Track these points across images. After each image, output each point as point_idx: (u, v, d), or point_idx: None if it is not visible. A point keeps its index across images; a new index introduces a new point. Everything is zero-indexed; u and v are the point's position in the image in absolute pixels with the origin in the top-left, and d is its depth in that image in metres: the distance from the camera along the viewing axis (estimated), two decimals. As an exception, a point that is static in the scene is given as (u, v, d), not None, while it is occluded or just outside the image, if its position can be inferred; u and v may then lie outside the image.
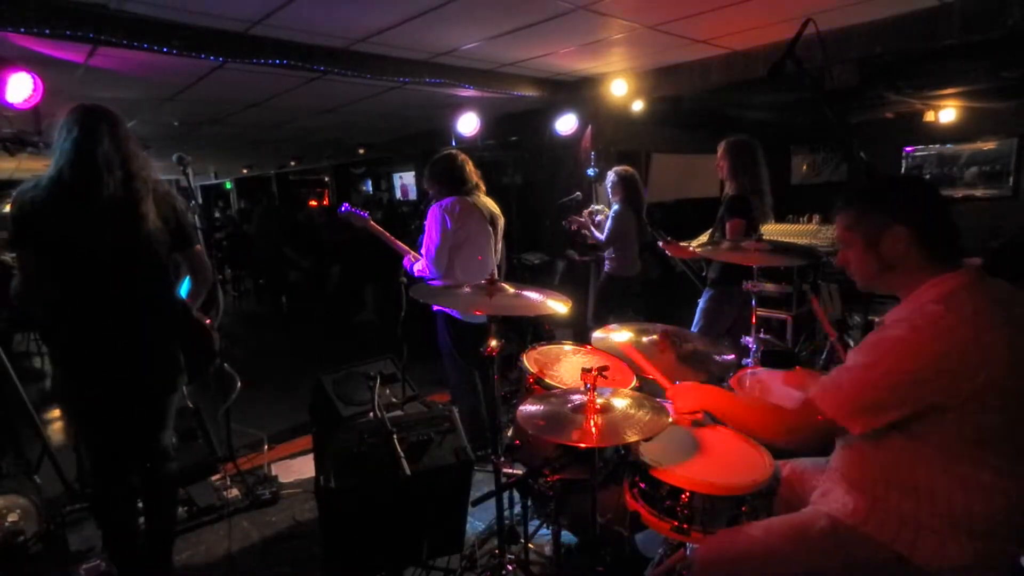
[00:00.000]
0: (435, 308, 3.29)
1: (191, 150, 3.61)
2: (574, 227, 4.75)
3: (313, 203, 12.57)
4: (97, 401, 2.12)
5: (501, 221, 3.40)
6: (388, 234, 3.50)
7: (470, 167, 3.28)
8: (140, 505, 2.36)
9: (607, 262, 4.60)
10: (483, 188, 3.35)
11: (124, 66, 3.64)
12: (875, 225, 1.42)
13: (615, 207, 4.51)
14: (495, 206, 3.38)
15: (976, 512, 1.29)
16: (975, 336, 1.24)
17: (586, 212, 4.83)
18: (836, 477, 1.52)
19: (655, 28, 3.55)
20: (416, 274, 3.27)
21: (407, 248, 3.44)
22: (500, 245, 3.45)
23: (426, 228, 3.18)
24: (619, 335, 2.40)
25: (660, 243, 3.33)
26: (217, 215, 13.01)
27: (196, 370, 2.38)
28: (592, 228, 4.66)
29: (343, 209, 3.54)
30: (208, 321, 2.42)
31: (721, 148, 3.34)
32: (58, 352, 2.19)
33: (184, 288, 2.39)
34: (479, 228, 3.23)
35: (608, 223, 4.49)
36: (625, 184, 4.45)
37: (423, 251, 3.19)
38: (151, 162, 2.22)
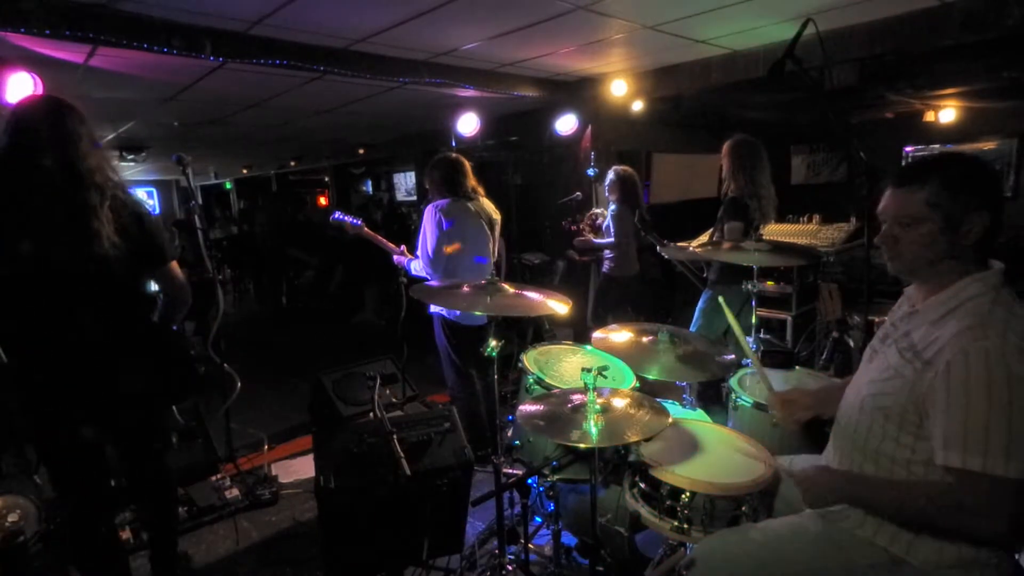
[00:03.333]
0: (431, 311, 3.29)
1: (191, 150, 3.61)
2: (578, 246, 4.75)
3: (326, 202, 12.51)
4: (58, 439, 1.90)
5: (498, 222, 3.40)
6: (381, 238, 3.51)
7: (468, 171, 3.29)
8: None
9: (605, 263, 4.59)
10: (481, 192, 3.36)
11: (124, 66, 3.64)
12: (964, 206, 1.28)
13: (612, 207, 4.50)
14: (493, 208, 3.39)
15: None
16: None
17: (586, 218, 4.83)
18: None
19: (655, 28, 3.55)
20: (413, 274, 3.28)
21: (396, 248, 3.45)
22: (498, 245, 3.45)
23: (422, 229, 3.18)
24: (619, 335, 2.40)
25: (659, 248, 3.33)
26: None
27: (175, 398, 2.24)
28: (595, 240, 4.66)
29: (335, 217, 3.54)
30: (190, 341, 2.24)
31: (725, 148, 3.35)
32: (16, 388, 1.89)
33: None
34: (475, 229, 3.24)
35: (610, 224, 4.49)
36: (623, 184, 4.44)
37: (419, 252, 3.19)
38: (110, 162, 1.91)
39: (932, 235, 1.32)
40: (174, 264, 2.06)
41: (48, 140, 1.77)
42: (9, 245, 1.72)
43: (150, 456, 2.21)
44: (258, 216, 9.42)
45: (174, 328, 2.18)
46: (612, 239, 4.50)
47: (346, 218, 3.53)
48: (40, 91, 2.92)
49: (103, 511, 2.13)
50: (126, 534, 2.69)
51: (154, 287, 2.14)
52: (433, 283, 3.09)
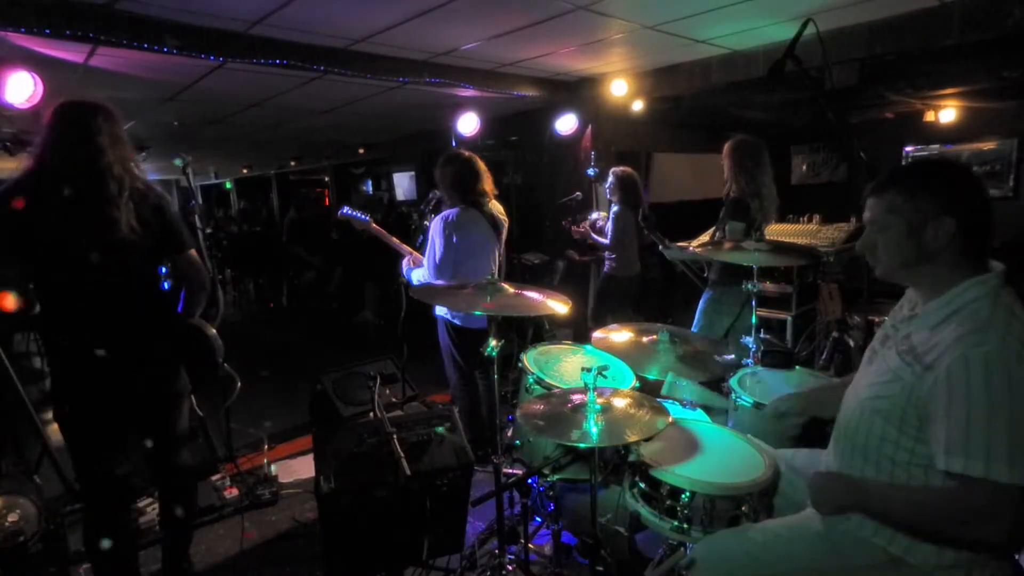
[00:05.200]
0: (436, 314, 3.28)
1: (191, 150, 3.60)
2: (576, 236, 4.75)
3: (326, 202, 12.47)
4: (79, 413, 2.01)
5: (505, 225, 3.37)
6: (390, 235, 3.48)
7: (481, 173, 3.17)
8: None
9: (607, 262, 4.60)
10: (492, 195, 3.26)
11: (124, 66, 3.64)
12: (923, 212, 1.31)
13: (614, 208, 4.51)
14: (501, 210, 3.34)
15: None
16: None
17: (586, 223, 4.83)
18: None
19: (655, 28, 3.55)
20: (416, 284, 3.23)
21: (409, 249, 3.42)
22: (502, 248, 3.43)
23: (429, 240, 3.12)
24: (619, 335, 2.40)
25: (661, 247, 3.33)
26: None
27: (194, 380, 2.28)
28: (595, 235, 4.66)
29: (343, 212, 3.51)
30: (214, 331, 2.31)
31: (726, 148, 3.34)
32: (48, 359, 2.09)
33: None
34: (484, 238, 3.19)
35: (609, 225, 4.49)
36: (622, 185, 4.44)
37: (426, 262, 3.15)
38: (131, 157, 2.06)
39: (899, 240, 1.35)
40: (192, 252, 2.20)
41: (74, 139, 1.93)
42: (40, 232, 1.88)
43: (172, 446, 2.25)
44: (286, 220, 9.33)
45: (195, 317, 2.30)
46: (607, 240, 4.50)
47: (354, 214, 3.50)
48: (41, 91, 2.94)
49: (120, 504, 2.18)
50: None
51: (166, 285, 2.28)
52: (433, 282, 3.08)
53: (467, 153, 3.24)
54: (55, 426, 2.06)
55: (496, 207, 3.32)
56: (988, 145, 6.26)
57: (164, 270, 2.26)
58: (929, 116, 6.27)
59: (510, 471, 2.24)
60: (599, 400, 1.76)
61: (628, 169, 4.55)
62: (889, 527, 1.35)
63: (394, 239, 3.47)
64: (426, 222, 3.31)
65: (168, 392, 2.19)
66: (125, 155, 2.03)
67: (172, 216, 2.14)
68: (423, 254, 3.24)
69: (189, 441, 2.37)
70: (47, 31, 2.73)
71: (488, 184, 3.22)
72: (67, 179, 1.91)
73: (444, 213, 3.12)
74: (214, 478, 3.22)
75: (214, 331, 2.36)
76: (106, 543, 2.12)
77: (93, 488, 2.12)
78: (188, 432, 2.33)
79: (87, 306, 1.99)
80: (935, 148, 6.59)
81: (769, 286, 3.59)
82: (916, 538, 1.32)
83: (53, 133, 1.95)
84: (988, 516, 1.19)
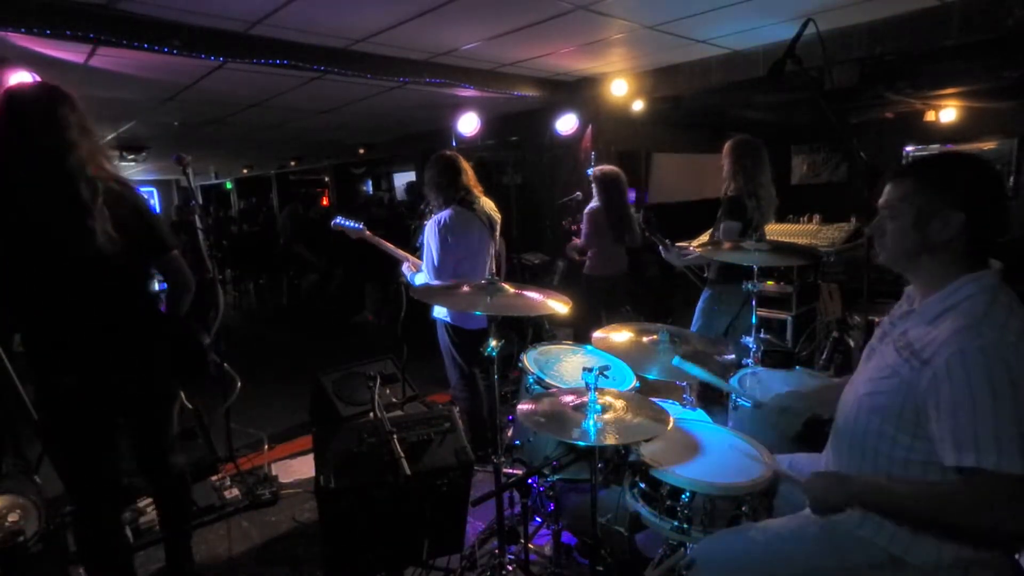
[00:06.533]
0: (434, 316, 3.27)
1: (191, 150, 3.60)
2: (575, 227, 4.73)
3: (326, 202, 12.48)
4: (64, 420, 1.93)
5: (498, 221, 3.37)
6: (386, 242, 3.46)
7: (464, 170, 3.18)
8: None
9: (585, 261, 4.54)
10: (480, 191, 3.27)
11: (124, 66, 3.64)
12: (933, 204, 1.31)
13: (589, 206, 4.43)
14: (492, 207, 3.34)
15: None
16: None
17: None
18: None
19: (655, 28, 3.56)
20: (417, 286, 3.24)
21: (406, 255, 3.41)
22: (498, 244, 3.43)
23: (426, 244, 3.13)
24: (619, 335, 2.40)
25: (661, 250, 3.32)
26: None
27: (184, 383, 2.24)
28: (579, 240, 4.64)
29: (336, 222, 3.46)
30: (203, 339, 2.23)
31: (725, 147, 3.34)
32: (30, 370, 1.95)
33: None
34: (479, 237, 3.19)
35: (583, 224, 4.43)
36: (598, 184, 4.37)
37: (425, 266, 3.16)
38: (104, 151, 1.85)
39: (905, 228, 1.36)
40: (176, 252, 2.06)
41: (36, 131, 1.69)
42: (4, 241, 1.70)
43: (163, 447, 2.22)
44: (281, 219, 9.31)
45: (182, 317, 2.20)
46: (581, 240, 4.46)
47: (347, 223, 3.45)
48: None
49: (112, 508, 2.14)
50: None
51: (155, 287, 2.18)
52: (433, 283, 3.08)
53: (448, 153, 3.23)
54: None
55: (488, 203, 3.31)
56: (988, 145, 6.27)
57: (156, 271, 2.15)
58: (929, 116, 6.28)
59: (510, 471, 2.23)
60: (599, 400, 1.76)
61: (607, 168, 4.42)
62: (890, 521, 1.35)
63: (390, 245, 3.46)
64: (425, 222, 3.31)
65: (156, 394, 2.13)
66: (96, 149, 1.79)
67: (152, 217, 1.97)
68: (422, 257, 3.24)
69: (180, 441, 2.35)
70: (47, 31, 2.74)
71: (471, 180, 3.21)
72: (30, 185, 1.66)
73: (437, 216, 3.11)
74: (214, 478, 3.22)
75: (199, 329, 2.32)
76: (99, 547, 2.08)
77: (84, 493, 2.06)
78: (178, 433, 2.29)
79: (65, 322, 1.84)
80: (935, 148, 6.60)
81: (769, 286, 3.60)
82: (911, 530, 1.32)
83: (8, 130, 1.67)
84: (1002, 509, 1.18)
